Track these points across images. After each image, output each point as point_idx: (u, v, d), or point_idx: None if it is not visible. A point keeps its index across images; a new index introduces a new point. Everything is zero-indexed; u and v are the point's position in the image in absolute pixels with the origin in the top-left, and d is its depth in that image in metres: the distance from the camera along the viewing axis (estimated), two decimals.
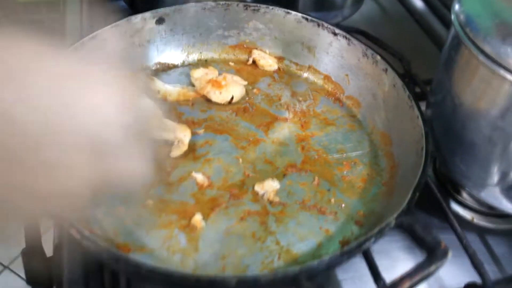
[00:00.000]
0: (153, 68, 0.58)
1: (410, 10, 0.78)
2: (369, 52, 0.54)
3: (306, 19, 0.58)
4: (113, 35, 0.54)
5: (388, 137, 0.52)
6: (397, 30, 0.74)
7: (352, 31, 0.69)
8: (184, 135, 0.49)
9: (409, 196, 0.40)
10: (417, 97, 0.49)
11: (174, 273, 0.35)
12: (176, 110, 0.54)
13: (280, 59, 0.60)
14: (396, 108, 0.51)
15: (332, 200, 0.47)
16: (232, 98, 0.54)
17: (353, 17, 0.72)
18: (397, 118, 0.51)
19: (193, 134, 0.51)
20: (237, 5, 0.58)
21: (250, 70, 0.60)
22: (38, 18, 1.47)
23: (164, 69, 0.58)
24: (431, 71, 0.56)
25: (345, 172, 0.49)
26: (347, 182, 0.49)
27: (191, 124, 0.52)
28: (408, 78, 0.59)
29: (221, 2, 0.58)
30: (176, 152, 0.49)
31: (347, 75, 0.57)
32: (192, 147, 0.50)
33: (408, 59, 0.67)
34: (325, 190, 0.48)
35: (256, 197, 0.46)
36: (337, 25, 0.57)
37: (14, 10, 1.44)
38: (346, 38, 0.56)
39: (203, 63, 0.60)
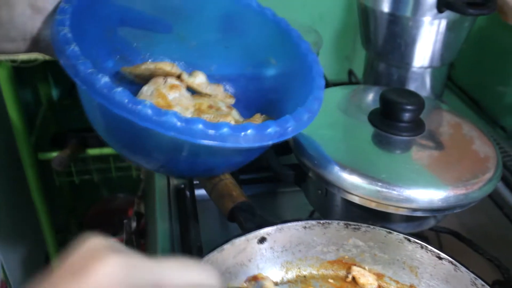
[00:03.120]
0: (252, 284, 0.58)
1: (506, 209, 0.77)
2: (479, 282, 0.53)
3: (409, 239, 0.57)
4: (218, 259, 0.55)
5: None
6: (491, 230, 0.73)
7: (444, 232, 0.68)
8: None
9: None
10: None
11: None
12: None
13: (380, 276, 0.59)
14: None
15: None
16: None
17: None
18: None
19: None
20: (338, 223, 0.58)
21: (349, 287, 0.59)
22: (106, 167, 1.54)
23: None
24: None
25: None
26: None
27: None
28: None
29: (322, 221, 0.58)
30: None
31: None
32: None
33: (506, 266, 0.65)
34: None
35: None
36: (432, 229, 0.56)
37: (85, 161, 1.52)
38: (452, 263, 0.55)
39: (302, 279, 0.59)
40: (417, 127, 0.66)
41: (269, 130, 0.49)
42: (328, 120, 0.69)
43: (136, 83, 0.62)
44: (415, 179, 0.61)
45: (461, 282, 0.54)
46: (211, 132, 0.46)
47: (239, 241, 0.56)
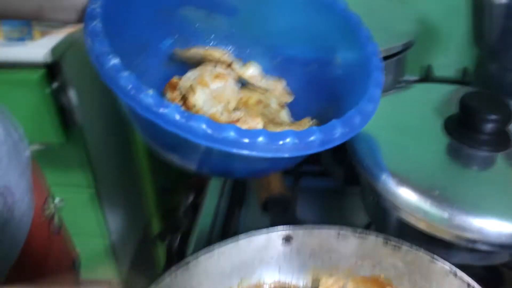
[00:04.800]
0: (271, 287, 0.53)
1: None
2: None
3: (455, 274, 0.48)
4: (232, 251, 0.51)
5: None
6: None
7: None
8: None
9: None
10: None
11: None
12: None
13: None
14: None
15: None
16: None
17: None
18: None
19: None
20: (376, 237, 0.51)
21: None
22: None
23: None
24: None
25: None
26: None
27: None
28: None
29: (358, 231, 0.52)
30: None
31: None
32: None
33: None
34: None
35: None
36: None
37: None
38: None
39: None
40: (500, 141, 0.55)
41: (312, 138, 0.42)
42: (399, 121, 0.60)
43: (189, 65, 0.59)
44: (489, 206, 0.51)
45: None
46: (245, 140, 0.41)
47: (259, 237, 0.52)
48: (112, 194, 1.46)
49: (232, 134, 0.40)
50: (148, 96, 0.40)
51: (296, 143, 0.42)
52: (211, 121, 0.40)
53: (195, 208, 0.83)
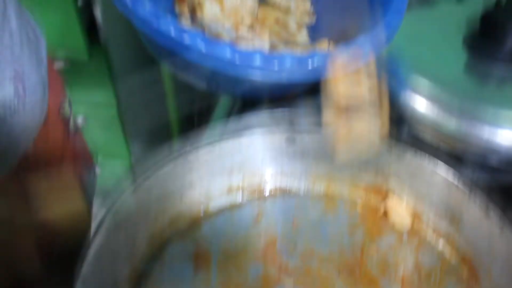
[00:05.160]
0: (270, 188, 0.53)
1: None
2: None
3: (456, 185, 0.47)
4: (234, 147, 0.51)
5: None
6: None
7: None
8: None
9: None
10: None
11: None
12: None
13: (417, 216, 0.50)
14: None
15: None
16: None
17: None
18: None
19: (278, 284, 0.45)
20: (381, 144, 0.50)
21: (377, 220, 0.51)
22: None
23: (282, 193, 0.53)
24: None
25: None
26: None
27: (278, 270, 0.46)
28: None
29: None
30: None
31: (490, 266, 0.45)
32: None
33: None
34: None
35: None
36: None
37: None
38: (500, 218, 0.44)
39: (329, 197, 0.53)
40: None
41: (314, 63, 0.41)
42: (418, 35, 0.58)
43: None
44: (502, 119, 0.49)
45: (509, 246, 0.44)
46: (240, 60, 0.40)
47: (262, 132, 0.51)
48: (135, 115, 1.47)
49: (227, 53, 0.39)
50: (145, 10, 0.40)
51: (295, 68, 0.41)
52: (206, 38, 0.39)
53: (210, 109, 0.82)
